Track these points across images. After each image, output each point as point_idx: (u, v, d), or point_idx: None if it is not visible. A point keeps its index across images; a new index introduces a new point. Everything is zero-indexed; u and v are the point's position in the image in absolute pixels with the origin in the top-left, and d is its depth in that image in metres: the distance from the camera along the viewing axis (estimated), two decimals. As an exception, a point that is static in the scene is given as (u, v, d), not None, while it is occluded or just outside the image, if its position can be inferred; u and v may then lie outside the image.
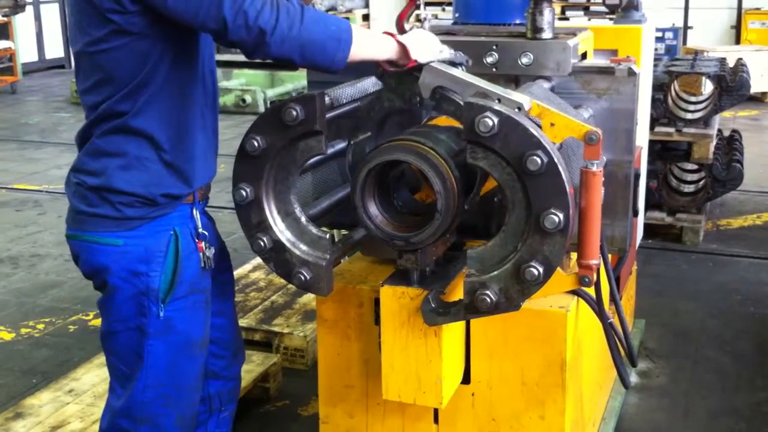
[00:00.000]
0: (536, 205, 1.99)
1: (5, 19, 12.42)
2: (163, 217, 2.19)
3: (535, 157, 1.95)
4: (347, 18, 13.38)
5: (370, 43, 2.17)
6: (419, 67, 2.21)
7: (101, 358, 3.68)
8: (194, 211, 2.26)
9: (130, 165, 2.14)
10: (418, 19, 2.69)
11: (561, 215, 1.97)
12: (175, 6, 2.00)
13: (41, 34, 14.19)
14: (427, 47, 2.25)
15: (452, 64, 2.28)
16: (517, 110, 2.03)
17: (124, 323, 2.23)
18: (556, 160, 1.96)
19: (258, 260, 4.70)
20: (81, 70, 2.18)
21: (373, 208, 2.22)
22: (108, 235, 2.17)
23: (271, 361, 3.64)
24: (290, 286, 4.35)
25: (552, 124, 2.11)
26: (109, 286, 2.22)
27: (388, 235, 2.20)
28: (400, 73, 2.28)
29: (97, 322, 4.42)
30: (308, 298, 4.17)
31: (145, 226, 2.17)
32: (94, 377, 3.52)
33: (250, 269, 4.68)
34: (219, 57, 14.64)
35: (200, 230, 2.27)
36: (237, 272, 4.65)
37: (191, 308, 2.26)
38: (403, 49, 2.20)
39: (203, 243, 2.27)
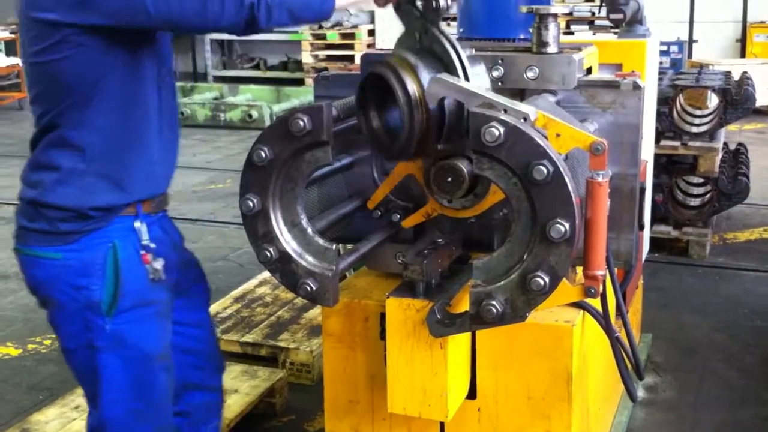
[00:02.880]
0: (542, 215, 2.00)
1: (13, 36, 12.49)
2: (99, 230, 2.17)
3: (541, 167, 1.96)
4: (353, 33, 13.47)
5: None
6: None
7: (107, 373, 3.68)
8: (137, 223, 2.23)
9: (63, 179, 2.14)
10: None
11: (567, 225, 1.97)
12: (169, 14, 2.02)
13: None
14: None
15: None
16: (523, 120, 2.04)
17: (75, 340, 2.23)
18: (562, 169, 1.97)
19: (264, 275, 4.70)
20: (28, 80, 2.19)
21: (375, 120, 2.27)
22: (48, 249, 2.17)
23: (277, 376, 3.63)
24: (296, 300, 4.36)
25: (558, 135, 2.11)
26: (53, 300, 2.21)
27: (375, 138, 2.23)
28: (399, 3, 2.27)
29: (103, 337, 4.43)
30: (314, 313, 4.17)
31: (83, 240, 2.16)
32: (100, 392, 3.52)
33: (256, 284, 4.68)
34: (226, 73, 14.81)
35: (144, 242, 2.23)
36: (243, 287, 4.66)
37: (141, 321, 2.23)
38: None
39: (150, 255, 2.23)
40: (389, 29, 12.91)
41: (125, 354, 2.22)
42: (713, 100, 5.71)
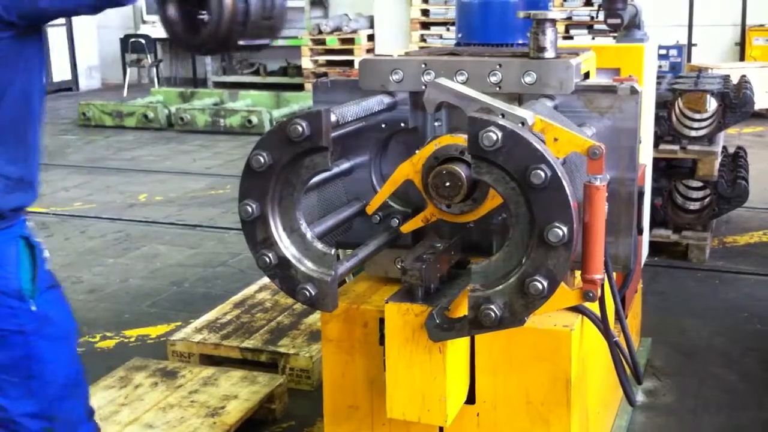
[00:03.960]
0: (540, 219, 2.00)
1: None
2: (10, 227, 2.22)
3: (538, 171, 1.96)
4: (352, 39, 13.49)
5: None
6: None
7: (107, 381, 3.68)
8: (28, 220, 2.30)
9: None
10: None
11: (565, 228, 1.98)
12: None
13: (48, 57, 14.30)
14: None
15: None
16: (520, 125, 2.04)
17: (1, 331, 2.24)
18: (559, 173, 1.97)
19: (264, 281, 4.71)
20: None
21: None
22: None
23: (277, 382, 3.63)
24: (296, 306, 4.36)
25: (555, 139, 2.12)
26: None
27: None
28: None
29: (104, 344, 4.43)
30: (314, 319, 4.17)
31: None
32: (100, 399, 3.52)
33: (256, 290, 4.69)
34: (226, 79, 14.80)
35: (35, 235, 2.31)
36: (243, 293, 4.66)
37: (58, 300, 2.34)
38: None
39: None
40: (388, 34, 12.96)
41: (52, 332, 2.29)
42: (712, 104, 5.72)
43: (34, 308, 2.24)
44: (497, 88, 2.50)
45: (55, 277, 2.36)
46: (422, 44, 12.39)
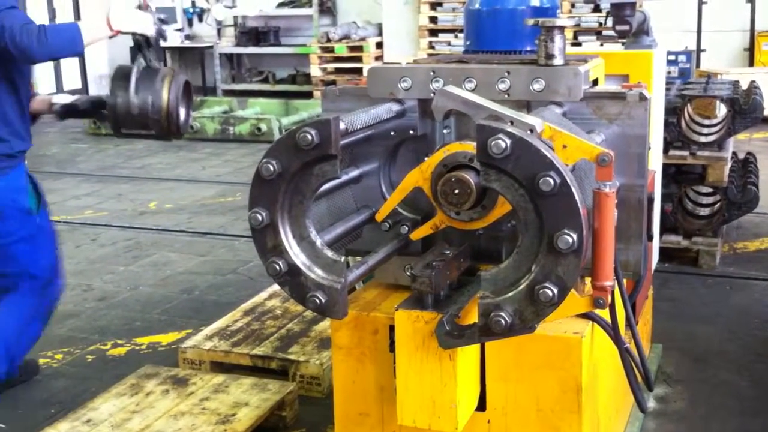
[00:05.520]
0: (549, 226, 2.00)
1: (23, 52, 12.54)
2: (20, 165, 3.56)
3: (548, 178, 1.97)
4: (360, 46, 13.53)
5: (91, 31, 3.40)
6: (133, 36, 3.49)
7: (119, 388, 3.69)
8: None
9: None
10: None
11: (574, 235, 1.98)
12: None
13: (59, 64, 14.34)
14: (126, 21, 3.42)
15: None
16: (529, 132, 2.05)
17: (14, 235, 3.56)
18: (568, 180, 1.97)
19: (274, 288, 4.71)
20: None
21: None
22: None
23: (288, 389, 3.64)
24: (306, 313, 4.37)
25: (564, 146, 2.12)
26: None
27: None
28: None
29: (116, 351, 4.45)
30: (324, 326, 4.18)
31: (12, 172, 3.54)
32: (111, 407, 3.54)
33: (266, 297, 4.69)
34: (235, 87, 14.86)
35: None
36: (253, 300, 4.67)
37: (47, 215, 3.74)
38: (109, 25, 3.40)
39: None
40: (397, 42, 12.97)
41: (44, 234, 3.70)
42: (721, 110, 5.71)
43: (37, 221, 3.58)
44: (506, 96, 2.51)
45: (45, 200, 3.75)
46: (430, 51, 12.40)
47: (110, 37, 3.41)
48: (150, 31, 3.46)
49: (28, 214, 3.52)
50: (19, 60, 3.35)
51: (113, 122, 3.47)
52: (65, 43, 3.35)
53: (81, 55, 3.61)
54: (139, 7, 3.65)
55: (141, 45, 3.48)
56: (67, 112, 3.74)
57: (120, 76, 3.46)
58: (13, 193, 3.50)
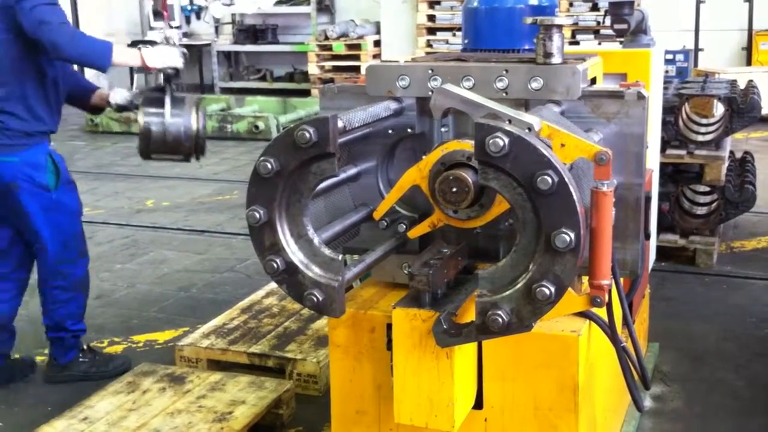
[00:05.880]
0: (547, 225, 2.00)
1: None
2: (41, 144, 3.77)
3: (545, 177, 1.97)
4: (358, 44, 13.53)
5: (122, 55, 3.73)
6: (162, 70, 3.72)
7: (116, 386, 3.69)
8: (51, 143, 3.84)
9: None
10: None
11: (572, 234, 1.98)
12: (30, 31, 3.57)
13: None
14: (158, 58, 3.71)
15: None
16: (527, 131, 2.05)
17: (32, 207, 3.76)
18: (566, 179, 1.97)
19: (271, 286, 4.71)
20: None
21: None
22: (8, 155, 3.71)
23: (284, 388, 3.64)
24: (303, 311, 4.37)
25: (562, 145, 2.12)
26: (17, 184, 3.72)
27: None
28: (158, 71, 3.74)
29: (112, 349, 4.44)
30: (321, 324, 4.18)
31: (29, 150, 3.75)
32: (108, 405, 3.53)
33: (263, 295, 4.69)
34: (233, 85, 14.89)
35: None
36: (250, 298, 4.67)
37: (70, 191, 3.88)
38: (144, 63, 3.68)
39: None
40: (395, 40, 12.96)
41: (64, 209, 3.85)
42: (719, 109, 5.71)
43: (54, 196, 3.77)
44: (504, 94, 2.51)
45: (70, 176, 3.89)
46: (428, 50, 12.39)
47: (139, 70, 3.91)
48: (179, 63, 3.73)
49: (45, 189, 3.72)
50: (51, 54, 3.57)
51: (144, 147, 3.70)
52: (95, 52, 3.63)
53: (104, 70, 3.86)
54: (166, 40, 3.84)
55: (171, 76, 3.72)
56: (123, 108, 3.92)
57: (151, 104, 3.67)
58: (29, 168, 3.70)
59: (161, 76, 3.76)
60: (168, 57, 3.71)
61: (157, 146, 3.68)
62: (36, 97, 3.74)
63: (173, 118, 3.65)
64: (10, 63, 3.67)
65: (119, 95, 3.87)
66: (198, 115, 3.70)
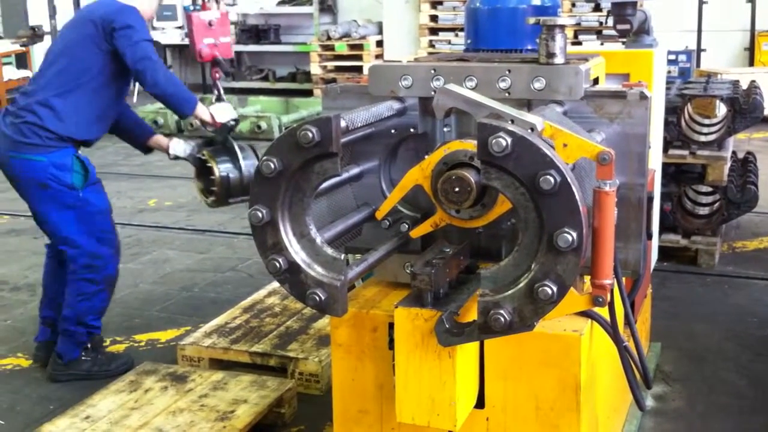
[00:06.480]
0: (549, 225, 2.01)
1: (24, 48, 12.58)
2: (68, 148, 3.92)
3: (548, 177, 1.97)
4: (361, 45, 13.53)
5: (200, 109, 4.01)
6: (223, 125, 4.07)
7: (118, 385, 3.70)
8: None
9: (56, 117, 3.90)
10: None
11: (574, 234, 1.98)
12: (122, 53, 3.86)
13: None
14: (223, 114, 4.07)
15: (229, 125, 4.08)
16: (530, 131, 2.05)
17: (57, 205, 3.91)
18: (569, 179, 1.98)
19: (273, 286, 4.72)
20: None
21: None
22: (36, 155, 3.88)
23: (286, 387, 3.64)
24: (305, 310, 4.37)
25: (565, 145, 2.13)
26: (44, 184, 3.87)
27: None
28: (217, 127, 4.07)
29: (114, 348, 4.45)
30: (323, 323, 4.18)
31: (57, 152, 3.90)
32: (110, 403, 3.54)
33: (265, 294, 4.70)
34: (235, 84, 14.92)
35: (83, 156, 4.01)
36: (252, 297, 4.67)
37: (97, 191, 4.03)
38: (213, 120, 4.05)
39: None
40: (398, 40, 12.96)
41: (91, 209, 3.98)
42: (721, 109, 5.71)
43: (81, 195, 3.91)
44: (506, 94, 2.51)
45: (96, 176, 4.03)
46: (431, 50, 12.40)
47: (204, 124, 4.07)
48: (236, 115, 4.12)
49: (71, 189, 3.89)
50: (146, 87, 3.86)
51: (224, 195, 4.00)
52: (185, 98, 3.95)
53: (185, 117, 4.35)
54: (218, 99, 4.25)
55: (232, 128, 4.09)
56: (178, 158, 4.22)
57: (219, 154, 3.99)
58: (56, 169, 3.87)
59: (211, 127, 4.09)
60: (228, 112, 4.10)
61: (236, 191, 3.98)
62: (89, 112, 3.93)
63: (246, 163, 3.97)
64: (86, 73, 3.87)
65: (179, 148, 4.16)
66: (257, 156, 3.92)
